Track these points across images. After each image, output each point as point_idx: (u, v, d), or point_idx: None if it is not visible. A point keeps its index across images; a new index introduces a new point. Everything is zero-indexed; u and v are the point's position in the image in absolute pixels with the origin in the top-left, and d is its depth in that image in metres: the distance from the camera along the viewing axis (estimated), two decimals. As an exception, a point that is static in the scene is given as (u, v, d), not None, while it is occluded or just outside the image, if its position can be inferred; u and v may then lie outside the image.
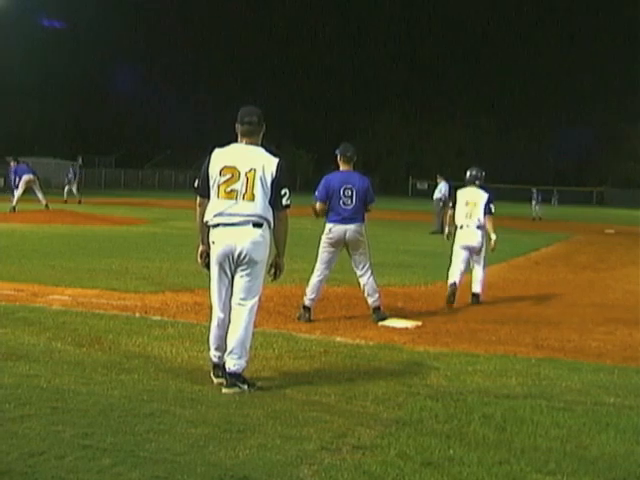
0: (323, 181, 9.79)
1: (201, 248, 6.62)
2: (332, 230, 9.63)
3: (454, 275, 11.28)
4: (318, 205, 9.74)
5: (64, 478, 4.32)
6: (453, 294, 11.05)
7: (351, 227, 9.57)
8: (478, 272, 11.62)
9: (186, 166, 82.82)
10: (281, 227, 6.49)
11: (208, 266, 6.57)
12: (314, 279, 9.74)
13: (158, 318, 9.10)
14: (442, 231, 26.68)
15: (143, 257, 15.51)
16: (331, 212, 9.62)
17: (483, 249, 11.59)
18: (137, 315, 9.22)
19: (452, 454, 4.89)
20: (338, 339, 8.41)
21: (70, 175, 39.01)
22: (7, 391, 5.84)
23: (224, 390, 6.21)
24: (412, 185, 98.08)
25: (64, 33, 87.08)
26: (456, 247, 11.56)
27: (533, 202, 43.67)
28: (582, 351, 8.35)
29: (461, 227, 11.50)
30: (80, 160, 29.29)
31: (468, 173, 11.82)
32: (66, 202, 36.19)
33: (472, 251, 11.51)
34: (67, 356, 7.05)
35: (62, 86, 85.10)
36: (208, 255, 6.54)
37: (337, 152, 9.84)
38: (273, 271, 6.65)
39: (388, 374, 6.95)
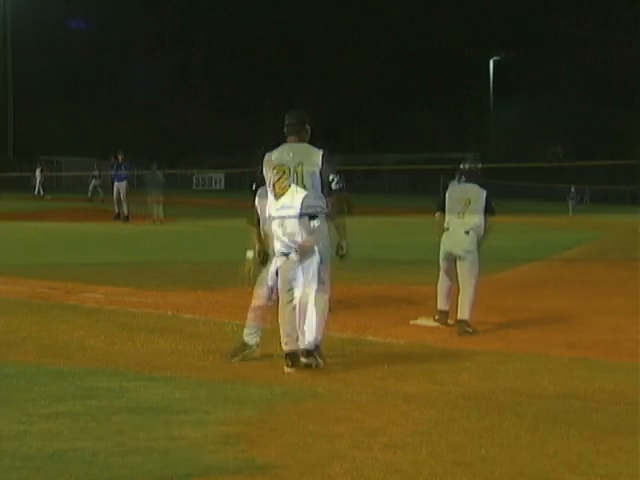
0: None
1: (257, 247, 7.19)
2: None
3: None
4: None
5: (97, 474, 4.35)
6: None
7: None
8: None
9: (218, 166, 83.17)
10: (336, 211, 6.94)
11: (264, 263, 7.12)
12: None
13: (190, 316, 9.14)
14: None
15: (176, 255, 15.59)
16: None
17: None
18: (169, 313, 9.27)
19: (484, 453, 4.86)
20: (369, 338, 8.40)
21: (95, 172, 38.26)
22: (41, 388, 5.91)
23: (302, 360, 6.71)
24: (442, 184, 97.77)
25: (92, 34, 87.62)
26: None
27: (570, 201, 42.95)
28: (615, 351, 8.26)
29: None
30: (120, 157, 28.17)
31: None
32: (91, 201, 35.94)
33: None
34: (100, 353, 7.11)
35: (94, 87, 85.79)
36: (265, 254, 7.11)
37: None
38: (340, 252, 7.03)
39: (420, 373, 6.92)
